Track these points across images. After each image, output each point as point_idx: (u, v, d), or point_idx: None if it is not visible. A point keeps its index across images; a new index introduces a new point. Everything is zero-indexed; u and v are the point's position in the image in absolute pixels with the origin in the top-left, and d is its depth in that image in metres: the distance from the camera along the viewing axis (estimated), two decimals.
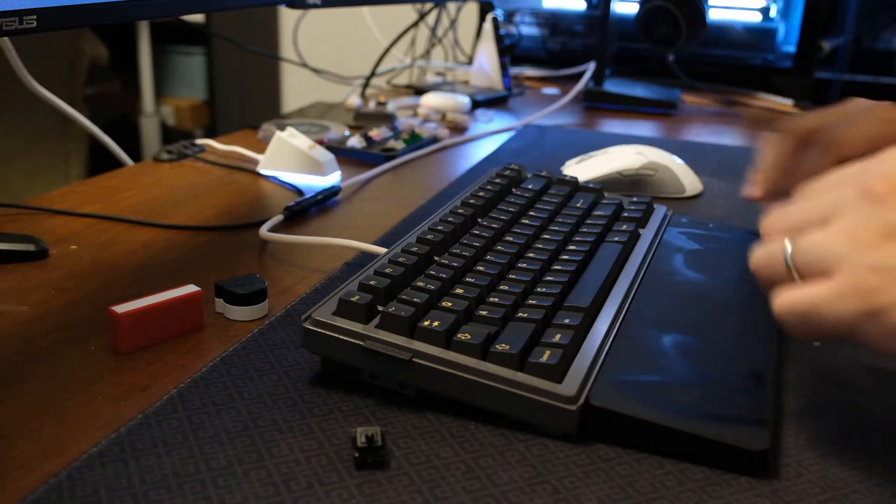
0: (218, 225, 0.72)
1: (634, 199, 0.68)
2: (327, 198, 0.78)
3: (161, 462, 0.40)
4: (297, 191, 0.83)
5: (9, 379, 0.47)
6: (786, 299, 0.39)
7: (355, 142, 0.96)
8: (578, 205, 0.65)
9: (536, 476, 0.40)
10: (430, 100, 1.20)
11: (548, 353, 0.43)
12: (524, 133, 1.10)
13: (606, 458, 0.41)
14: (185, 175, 0.87)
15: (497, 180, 0.68)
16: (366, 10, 1.69)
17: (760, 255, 0.41)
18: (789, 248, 0.39)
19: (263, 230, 0.68)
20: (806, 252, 0.39)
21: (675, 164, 0.85)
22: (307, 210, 0.75)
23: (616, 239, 0.59)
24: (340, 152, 0.94)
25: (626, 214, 0.65)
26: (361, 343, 0.45)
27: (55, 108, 0.85)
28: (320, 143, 0.94)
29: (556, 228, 0.60)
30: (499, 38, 1.35)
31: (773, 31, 1.43)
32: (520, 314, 0.47)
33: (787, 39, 1.43)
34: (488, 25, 1.34)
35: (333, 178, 0.85)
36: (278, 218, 0.71)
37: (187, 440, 0.41)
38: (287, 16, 2.60)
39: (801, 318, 0.38)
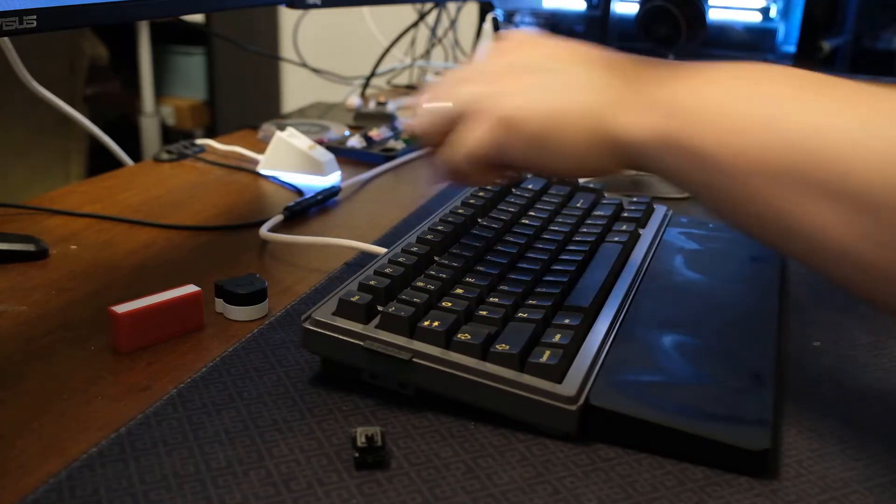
0: (218, 225, 0.72)
1: (634, 199, 0.68)
2: (327, 198, 0.78)
3: (161, 462, 0.40)
4: (297, 191, 0.83)
5: (9, 379, 0.47)
6: (455, 150, 0.48)
7: (355, 142, 0.96)
8: (578, 205, 0.65)
9: (536, 476, 0.40)
10: None
11: (548, 353, 0.43)
12: None
13: (606, 458, 0.41)
14: (185, 175, 0.87)
15: (497, 180, 0.68)
16: (366, 10, 1.69)
17: (425, 116, 0.50)
18: (450, 104, 0.49)
19: (263, 230, 0.68)
20: (461, 102, 0.48)
21: None
22: (307, 210, 0.75)
23: (616, 239, 0.59)
24: (340, 152, 0.94)
25: (626, 214, 0.65)
26: (361, 343, 0.45)
27: (55, 108, 0.85)
28: (320, 143, 0.94)
29: (556, 228, 0.60)
30: None
31: (773, 31, 1.43)
32: (520, 314, 0.47)
33: (787, 39, 1.43)
34: (488, 25, 1.34)
35: (333, 178, 0.85)
36: (278, 218, 0.71)
37: (187, 440, 0.41)
38: (287, 16, 2.60)
39: (470, 159, 0.48)
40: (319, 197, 0.77)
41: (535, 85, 0.47)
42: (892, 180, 0.35)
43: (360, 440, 0.39)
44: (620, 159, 0.45)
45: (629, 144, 0.44)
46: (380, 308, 0.47)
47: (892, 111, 0.36)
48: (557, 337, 0.45)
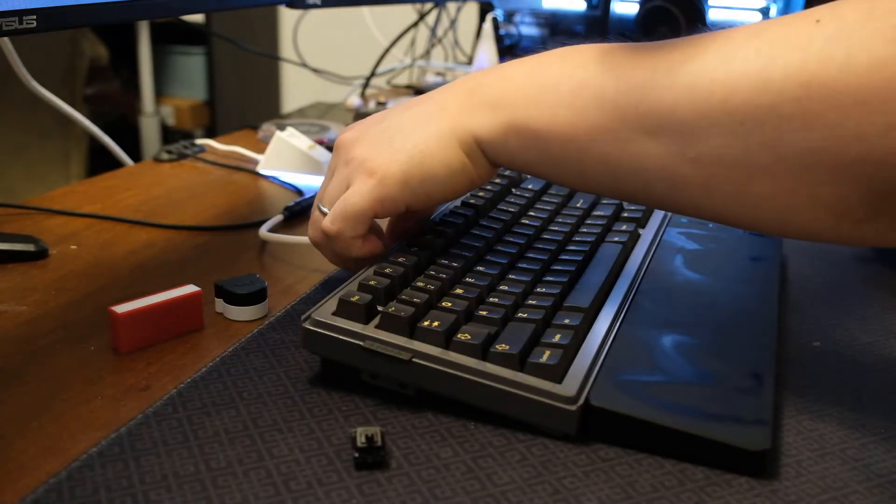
0: (218, 225, 0.72)
1: None
2: None
3: (161, 462, 0.40)
4: (297, 191, 0.83)
5: (9, 379, 0.47)
6: (338, 214, 0.51)
7: None
8: (578, 205, 0.65)
9: (536, 476, 0.40)
10: None
11: (548, 353, 0.43)
12: None
13: (606, 458, 0.41)
14: (185, 175, 0.87)
15: (497, 180, 0.68)
16: (366, 10, 1.69)
17: (309, 229, 0.55)
18: (324, 206, 0.53)
19: (263, 230, 0.68)
20: (327, 193, 0.53)
21: None
22: (307, 210, 0.75)
23: (616, 239, 0.59)
24: None
25: (625, 214, 0.65)
26: (361, 343, 0.45)
27: (55, 108, 0.85)
28: (320, 143, 0.94)
29: (556, 228, 0.60)
30: (499, 39, 1.35)
31: None
32: (520, 314, 0.47)
33: None
34: (488, 25, 1.34)
35: None
36: (278, 218, 0.71)
37: (187, 440, 0.41)
38: (287, 16, 2.60)
39: (356, 218, 0.50)
40: None
41: (388, 138, 0.51)
42: (695, 106, 0.42)
43: (360, 440, 0.39)
44: (488, 160, 0.50)
45: (487, 143, 0.49)
46: (380, 308, 0.47)
47: (682, 56, 0.43)
48: (557, 337, 0.45)
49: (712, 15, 1.40)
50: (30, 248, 0.63)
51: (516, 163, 0.49)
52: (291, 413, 0.44)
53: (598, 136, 0.45)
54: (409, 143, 0.50)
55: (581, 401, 0.42)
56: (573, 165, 0.47)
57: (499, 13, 1.40)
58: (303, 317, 0.46)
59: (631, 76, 0.44)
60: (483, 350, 0.43)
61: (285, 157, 0.86)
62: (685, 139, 0.42)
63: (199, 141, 0.97)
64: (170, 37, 2.57)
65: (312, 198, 0.76)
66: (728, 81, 0.41)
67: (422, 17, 1.43)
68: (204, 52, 2.58)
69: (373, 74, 1.31)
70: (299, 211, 0.74)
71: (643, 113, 0.43)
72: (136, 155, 1.01)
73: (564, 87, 0.46)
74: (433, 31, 1.54)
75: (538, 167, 0.49)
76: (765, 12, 1.44)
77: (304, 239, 0.66)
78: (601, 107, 0.45)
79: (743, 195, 0.42)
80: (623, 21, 1.40)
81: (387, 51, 1.34)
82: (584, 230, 0.60)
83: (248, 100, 2.71)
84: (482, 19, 1.44)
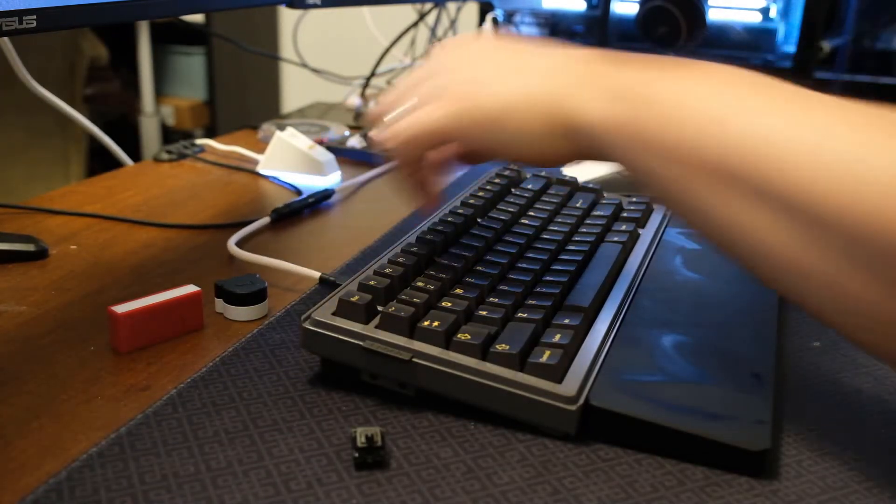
0: (218, 224, 0.72)
1: (634, 198, 0.68)
2: (319, 201, 0.77)
3: (161, 462, 0.40)
4: (297, 191, 0.83)
5: (9, 379, 0.47)
6: (410, 123, 0.48)
7: (355, 142, 0.96)
8: (578, 205, 0.65)
9: (536, 476, 0.40)
10: None
11: (548, 353, 0.43)
12: None
13: (606, 458, 0.41)
14: (185, 175, 0.87)
15: (496, 180, 0.68)
16: (366, 10, 1.69)
17: (394, 128, 0.50)
18: (414, 99, 0.50)
19: (230, 244, 0.65)
20: (423, 96, 0.49)
21: None
22: (296, 213, 0.74)
23: (616, 239, 0.59)
24: (340, 152, 0.94)
25: (625, 214, 0.65)
26: (361, 343, 0.45)
27: (55, 108, 0.85)
28: (320, 143, 0.94)
29: (556, 228, 0.60)
30: None
31: (773, 31, 1.43)
32: (520, 314, 0.47)
33: (787, 39, 1.43)
34: (488, 25, 1.34)
35: (333, 178, 0.85)
36: (264, 220, 0.71)
37: (187, 440, 0.41)
38: (287, 16, 2.60)
39: (424, 133, 0.48)
40: (310, 200, 0.76)
41: (495, 70, 0.48)
42: (839, 196, 0.35)
43: (360, 440, 0.39)
44: (576, 145, 0.45)
45: (583, 127, 0.44)
46: (380, 308, 0.47)
47: (846, 127, 0.37)
48: (557, 337, 0.45)
49: (712, 15, 1.40)
50: (30, 248, 0.63)
51: (615, 159, 0.44)
52: (291, 413, 0.44)
53: (706, 173, 0.40)
54: (512, 86, 0.47)
55: (581, 401, 0.42)
56: (674, 192, 0.42)
57: (499, 13, 1.40)
58: (303, 317, 0.46)
59: (769, 122, 0.39)
60: (483, 350, 0.43)
61: (285, 157, 0.86)
62: (804, 223, 0.36)
63: (199, 141, 0.97)
64: (170, 37, 2.57)
65: (302, 201, 0.76)
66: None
67: (422, 17, 1.43)
68: (204, 52, 2.58)
69: (373, 74, 1.31)
70: (287, 213, 0.73)
71: (761, 171, 0.38)
72: (136, 155, 1.01)
73: (694, 108, 0.41)
74: (433, 31, 1.54)
75: (638, 175, 0.44)
76: (765, 12, 1.44)
77: (265, 260, 0.62)
78: (717, 144, 0.39)
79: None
80: (623, 21, 1.40)
81: (387, 51, 1.34)
82: (584, 230, 0.61)
83: (248, 100, 2.71)
84: (482, 19, 1.44)
